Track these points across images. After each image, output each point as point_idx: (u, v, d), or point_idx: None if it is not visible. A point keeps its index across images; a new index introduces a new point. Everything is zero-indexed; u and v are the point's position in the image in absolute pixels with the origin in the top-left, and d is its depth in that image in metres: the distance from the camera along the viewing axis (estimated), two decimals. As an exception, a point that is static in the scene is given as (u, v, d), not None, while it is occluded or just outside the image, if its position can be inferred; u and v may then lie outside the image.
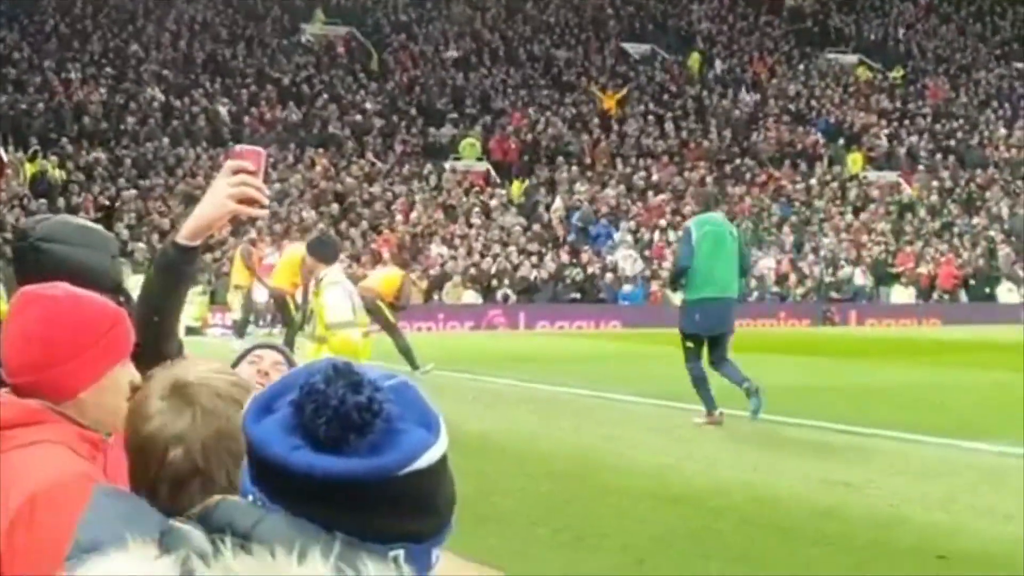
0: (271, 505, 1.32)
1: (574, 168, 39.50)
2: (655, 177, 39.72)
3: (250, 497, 1.35)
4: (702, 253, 12.30)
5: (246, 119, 38.18)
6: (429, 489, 1.34)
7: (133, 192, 33.13)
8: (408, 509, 1.33)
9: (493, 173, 39.07)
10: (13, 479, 2.23)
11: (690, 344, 12.39)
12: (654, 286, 34.15)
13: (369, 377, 1.33)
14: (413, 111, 40.67)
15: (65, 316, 2.45)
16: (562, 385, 15.85)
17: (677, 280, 12.89)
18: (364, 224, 33.99)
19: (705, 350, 12.32)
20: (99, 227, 3.39)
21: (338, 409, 1.29)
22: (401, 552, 1.31)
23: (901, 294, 36.39)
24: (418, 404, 1.36)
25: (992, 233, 40.08)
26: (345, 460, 1.29)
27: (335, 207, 34.56)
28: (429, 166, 38.13)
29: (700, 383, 12.22)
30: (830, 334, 30.56)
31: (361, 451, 1.29)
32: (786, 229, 38.51)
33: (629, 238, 36.28)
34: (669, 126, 42.78)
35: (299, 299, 18.04)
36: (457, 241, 34.62)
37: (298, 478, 1.29)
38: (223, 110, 38.18)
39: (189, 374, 2.03)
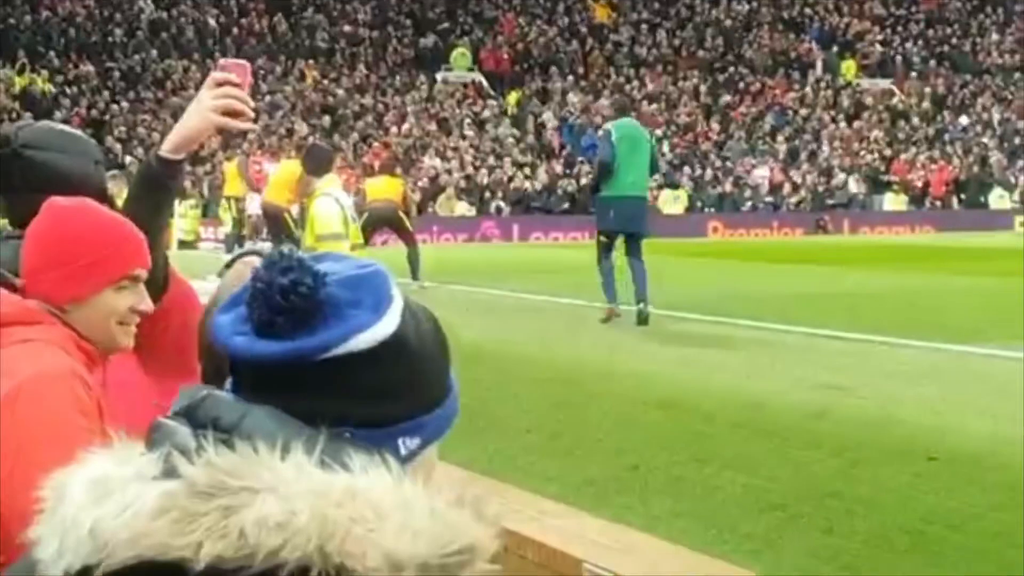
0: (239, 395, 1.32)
1: (567, 78, 39.25)
2: (648, 87, 39.49)
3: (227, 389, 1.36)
4: (620, 154, 12.97)
5: (235, 30, 37.83)
6: (374, 373, 1.32)
7: (125, 106, 32.91)
8: (348, 392, 1.30)
9: (485, 84, 38.82)
10: (4, 371, 2.30)
11: (604, 239, 13.37)
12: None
13: (306, 262, 1.31)
14: (405, 20, 40.31)
15: (63, 226, 2.50)
16: (556, 295, 15.89)
17: (601, 178, 13.47)
18: (355, 136, 33.83)
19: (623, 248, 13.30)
20: (80, 133, 3.37)
21: (266, 292, 1.28)
22: (347, 435, 1.28)
23: (894, 201, 36.38)
24: (378, 291, 1.34)
25: (985, 140, 39.99)
26: (274, 343, 1.28)
27: (326, 119, 34.37)
28: (421, 77, 37.87)
29: (607, 278, 13.13)
30: (823, 242, 30.59)
31: (297, 334, 1.28)
32: (780, 138, 38.39)
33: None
34: (662, 35, 42.45)
35: (296, 215, 17.99)
36: (450, 153, 34.49)
37: (238, 363, 1.30)
38: (212, 21, 37.82)
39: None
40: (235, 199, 25.15)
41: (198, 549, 1.12)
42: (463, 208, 32.74)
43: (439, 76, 38.27)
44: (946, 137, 40.02)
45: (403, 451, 1.34)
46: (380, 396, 1.32)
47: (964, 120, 40.92)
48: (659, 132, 36.80)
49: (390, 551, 1.11)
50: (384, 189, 19.69)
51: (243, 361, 1.30)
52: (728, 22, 43.87)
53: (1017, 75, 44.33)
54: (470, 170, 33.54)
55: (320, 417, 1.28)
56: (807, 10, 45.73)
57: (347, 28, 39.25)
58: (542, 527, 6.05)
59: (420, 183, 32.28)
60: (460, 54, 39.16)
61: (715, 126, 38.08)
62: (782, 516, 5.96)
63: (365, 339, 1.30)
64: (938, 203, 37.06)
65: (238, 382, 1.34)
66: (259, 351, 1.29)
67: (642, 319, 12.63)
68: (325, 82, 36.51)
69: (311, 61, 37.22)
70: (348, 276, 1.33)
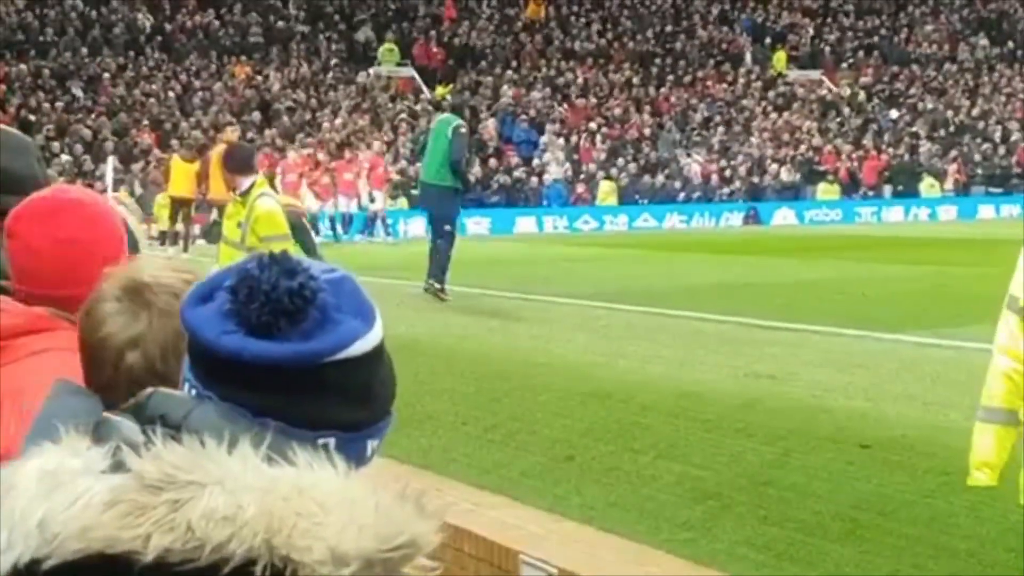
0: (204, 392, 1.33)
1: (501, 72, 39.25)
2: (580, 79, 39.60)
3: (186, 385, 1.35)
4: (428, 146, 14.91)
5: (166, 27, 37.50)
6: (360, 379, 1.35)
7: (60, 105, 32.48)
8: (338, 397, 1.34)
9: (418, 78, 38.75)
10: (35, 385, 2.08)
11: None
12: (580, 188, 34.24)
13: (304, 266, 1.34)
14: (336, 16, 40.15)
15: (102, 222, 2.39)
16: (488, 288, 15.90)
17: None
18: (288, 132, 33.62)
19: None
20: (16, 131, 3.28)
21: (270, 294, 1.30)
22: (332, 441, 1.32)
23: (827, 191, 36.74)
24: (355, 297, 1.37)
25: (915, 129, 40.49)
26: (274, 344, 1.29)
27: (257, 115, 34.14)
28: (353, 73, 37.72)
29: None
30: (757, 233, 30.83)
31: (292, 337, 1.30)
32: (712, 130, 38.62)
33: (557, 141, 36.21)
34: (594, 28, 42.59)
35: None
36: (384, 147, 34.37)
37: (227, 362, 1.30)
38: (142, 19, 37.44)
39: (143, 274, 1.96)
40: (181, 200, 24.52)
41: (146, 542, 1.13)
42: (401, 202, 32.63)
43: (371, 71, 38.15)
44: (876, 127, 40.46)
45: (369, 452, 1.40)
46: (365, 400, 1.37)
47: (894, 113, 41.39)
48: (592, 125, 36.99)
49: (335, 545, 1.13)
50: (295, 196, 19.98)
51: (238, 362, 1.30)
52: (659, 15, 44.09)
53: (946, 65, 44.91)
54: (403, 164, 33.40)
55: (313, 420, 1.32)
56: (738, 3, 46.07)
57: (280, 24, 39.02)
58: (479, 519, 6.05)
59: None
60: (387, 49, 39.06)
61: (647, 118, 38.24)
62: (716, 505, 5.99)
63: (361, 345, 1.34)
64: (870, 192, 37.46)
65: (205, 377, 1.34)
66: (260, 353, 1.30)
67: (427, 291, 14.40)
68: (258, 78, 36.27)
69: (243, 58, 36.96)
70: (330, 280, 1.35)
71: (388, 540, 1.15)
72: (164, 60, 36.24)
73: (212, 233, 23.91)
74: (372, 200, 29.11)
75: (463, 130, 14.55)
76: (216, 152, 20.32)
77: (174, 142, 30.61)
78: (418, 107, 36.79)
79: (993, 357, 4.30)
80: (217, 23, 38.28)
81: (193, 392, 1.35)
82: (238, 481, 1.16)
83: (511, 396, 8.55)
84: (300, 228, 17.88)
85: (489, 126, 34.50)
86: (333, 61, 38.23)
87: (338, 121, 34.59)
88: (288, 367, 1.30)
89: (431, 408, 8.11)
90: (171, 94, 34.48)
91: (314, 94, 36.18)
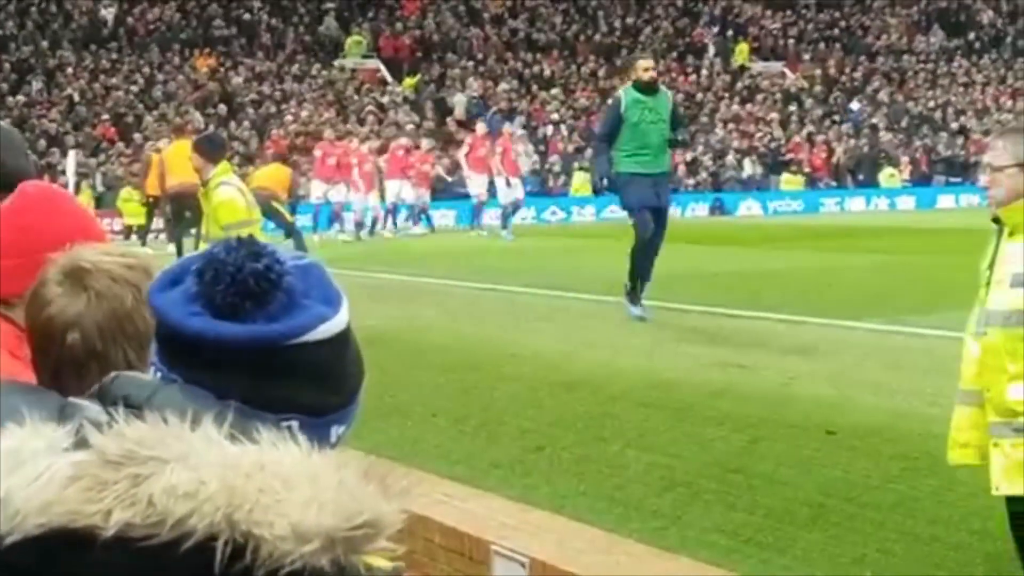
0: (169, 375, 1.34)
1: (466, 63, 39.22)
2: (546, 71, 39.62)
3: (152, 368, 1.37)
4: None
5: (128, 20, 37.26)
6: (325, 363, 1.36)
7: (20, 99, 32.22)
8: (302, 381, 1.35)
9: (384, 70, 38.66)
10: None
11: None
12: (551, 180, 34.29)
13: (271, 250, 1.36)
14: (300, 8, 40.00)
15: (27, 214, 2.42)
16: (457, 279, 15.92)
17: None
18: (254, 125, 33.50)
19: None
20: (11, 127, 3.28)
21: (235, 275, 1.31)
22: (295, 423, 1.32)
23: (790, 182, 36.91)
24: (323, 283, 1.38)
25: (876, 120, 40.73)
26: (239, 326, 1.31)
27: (223, 108, 33.99)
28: (318, 65, 37.60)
29: None
30: (722, 223, 30.94)
31: (257, 319, 1.31)
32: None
33: (522, 132, 36.21)
34: (559, 20, 42.61)
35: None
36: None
37: (193, 343, 1.32)
38: (104, 11, 37.19)
39: (84, 258, 2.04)
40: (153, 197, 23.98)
41: (107, 516, 1.14)
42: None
43: (337, 63, 38.03)
44: (838, 118, 40.67)
45: (334, 438, 1.40)
46: (329, 384, 1.38)
47: (856, 105, 41.61)
48: (555, 116, 37.02)
49: (297, 522, 1.13)
50: (265, 177, 19.64)
51: (203, 343, 1.31)
52: (624, 7, 44.14)
53: (906, 57, 45.19)
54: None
55: (276, 402, 1.33)
56: (701, -6, 46.21)
57: (244, 17, 38.83)
58: (450, 510, 6.08)
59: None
60: (354, 42, 38.95)
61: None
62: (686, 493, 6.05)
63: (326, 328, 1.35)
64: (832, 182, 37.67)
65: (171, 358, 1.35)
66: (225, 334, 1.31)
67: None
68: (222, 71, 36.09)
69: (207, 50, 36.78)
70: (297, 266, 1.37)
71: (350, 518, 1.15)
72: (126, 53, 36.03)
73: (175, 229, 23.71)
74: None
75: None
76: (175, 147, 20.08)
77: (136, 136, 30.49)
78: (385, 99, 36.71)
79: (965, 342, 4.42)
80: (179, 15, 38.05)
81: (158, 375, 1.36)
82: (200, 457, 1.17)
83: (480, 387, 8.58)
84: (272, 212, 17.85)
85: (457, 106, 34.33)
86: (298, 53, 38.09)
87: (304, 114, 34.49)
88: (253, 349, 1.31)
89: (400, 400, 8.12)
90: (133, 87, 34.28)
91: (279, 87, 36.04)
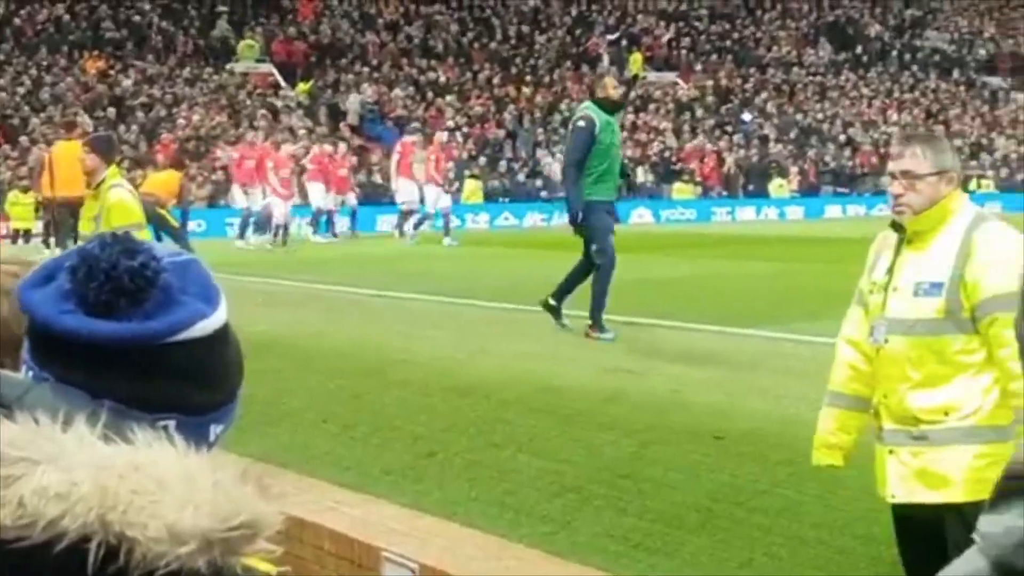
0: (41, 374, 1.32)
1: (361, 69, 39.07)
2: (442, 78, 39.62)
3: (24, 367, 1.34)
4: None
5: (15, 21, 36.54)
6: (202, 361, 1.34)
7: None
8: (179, 379, 1.33)
9: (277, 75, 38.38)
10: None
11: None
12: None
13: (147, 247, 1.33)
14: (193, 11, 39.56)
15: None
16: (349, 285, 15.83)
17: None
18: (144, 128, 33.03)
19: None
20: None
21: (110, 272, 1.28)
22: (172, 423, 1.31)
23: (682, 191, 37.31)
24: (201, 280, 1.36)
25: (766, 131, 41.39)
26: (114, 324, 1.28)
27: (112, 111, 33.47)
28: (210, 69, 37.20)
29: None
30: (616, 231, 31.08)
31: (132, 316, 1.29)
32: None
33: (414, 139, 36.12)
34: (455, 27, 42.66)
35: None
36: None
37: (66, 341, 1.29)
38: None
39: None
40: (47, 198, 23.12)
41: None
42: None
43: (229, 67, 37.66)
44: (730, 128, 41.25)
45: (212, 438, 1.38)
46: (206, 382, 1.36)
47: (748, 116, 42.23)
48: (451, 123, 37.07)
49: (172, 523, 1.12)
50: (154, 183, 19.48)
51: (76, 341, 1.29)
52: (519, 15, 44.34)
53: (795, 69, 45.98)
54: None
55: (152, 401, 1.31)
56: (595, 5, 46.54)
57: (135, 18, 38.29)
58: (339, 517, 6.04)
59: (213, 176, 31.71)
60: (247, 45, 38.62)
61: (508, 117, 38.42)
62: (576, 498, 6.07)
63: (204, 326, 1.33)
64: (724, 192, 38.18)
65: (43, 357, 1.32)
66: (100, 331, 1.28)
67: None
68: (112, 73, 35.55)
69: (96, 52, 36.20)
70: (175, 263, 1.35)
71: (227, 520, 1.14)
72: (14, 54, 35.32)
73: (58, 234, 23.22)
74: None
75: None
76: (63, 147, 19.63)
77: (23, 138, 29.92)
78: (278, 104, 36.42)
79: (838, 346, 4.50)
80: (68, 16, 37.40)
81: (30, 374, 1.33)
82: (72, 458, 1.15)
83: (372, 393, 8.53)
84: (157, 218, 17.64)
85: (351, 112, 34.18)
86: (190, 56, 37.64)
87: (195, 118, 34.10)
88: (128, 347, 1.29)
89: (291, 406, 8.06)
90: (20, 89, 33.62)
91: (170, 90, 35.59)
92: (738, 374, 9.11)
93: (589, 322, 10.99)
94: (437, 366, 9.49)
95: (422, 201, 26.67)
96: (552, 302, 11.42)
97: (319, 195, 26.76)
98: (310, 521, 5.86)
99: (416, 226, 26.05)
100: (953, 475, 4.10)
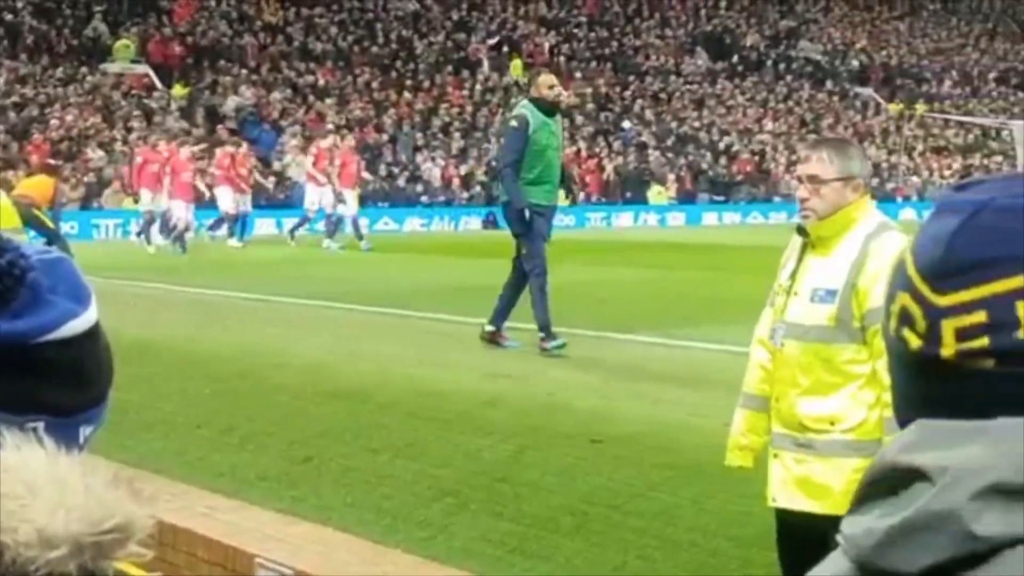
0: None
1: (239, 71, 38.66)
2: (321, 81, 39.37)
3: None
4: None
5: None
6: (72, 361, 1.32)
7: None
8: (49, 380, 1.30)
9: (153, 76, 37.78)
10: None
11: None
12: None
13: (14, 245, 1.30)
14: (67, 11, 38.78)
15: None
16: (225, 289, 15.64)
17: None
18: (15, 128, 32.29)
19: None
20: None
21: None
22: (41, 425, 1.28)
23: (563, 197, 37.49)
24: (71, 279, 1.33)
25: (644, 139, 41.84)
26: None
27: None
28: (85, 69, 36.50)
29: None
30: (496, 237, 31.20)
31: (1, 316, 1.26)
32: (451, 134, 38.97)
33: (296, 142, 35.87)
34: (335, 30, 42.42)
35: None
36: (116, 146, 33.36)
37: None
38: None
39: None
40: None
41: None
42: (131, 202, 31.69)
43: (104, 67, 36.99)
44: (611, 136, 41.62)
45: (82, 439, 1.35)
46: (76, 383, 1.33)
47: (627, 124, 42.65)
48: (331, 125, 36.84)
49: (43, 527, 1.10)
50: (28, 186, 19.22)
51: None
52: (399, 20, 44.24)
53: (672, 78, 46.56)
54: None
55: (21, 402, 1.28)
56: (475, 11, 46.63)
57: (7, 17, 37.42)
58: (213, 523, 5.96)
59: (86, 177, 31.10)
60: (123, 45, 37.96)
61: (388, 121, 38.30)
62: (453, 502, 6.06)
63: (74, 326, 1.30)
64: (602, 199, 38.49)
65: None
66: None
67: None
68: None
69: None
70: (43, 261, 1.32)
71: (98, 523, 1.12)
72: None
73: None
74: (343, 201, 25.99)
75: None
76: None
77: None
78: (153, 105, 35.86)
79: (751, 347, 4.49)
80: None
81: None
82: None
83: (248, 398, 8.43)
84: (33, 219, 17.35)
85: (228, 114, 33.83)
86: (63, 56, 36.88)
87: (68, 118, 33.43)
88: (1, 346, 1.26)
89: (164, 411, 7.93)
90: None
91: (42, 90, 34.83)
92: (617, 379, 9.19)
93: (541, 334, 10.57)
94: (313, 370, 9.41)
95: (331, 206, 26.33)
96: (489, 328, 10.85)
97: (228, 200, 26.37)
98: (183, 527, 5.77)
99: (295, 228, 26.06)
100: (834, 486, 4.09)
